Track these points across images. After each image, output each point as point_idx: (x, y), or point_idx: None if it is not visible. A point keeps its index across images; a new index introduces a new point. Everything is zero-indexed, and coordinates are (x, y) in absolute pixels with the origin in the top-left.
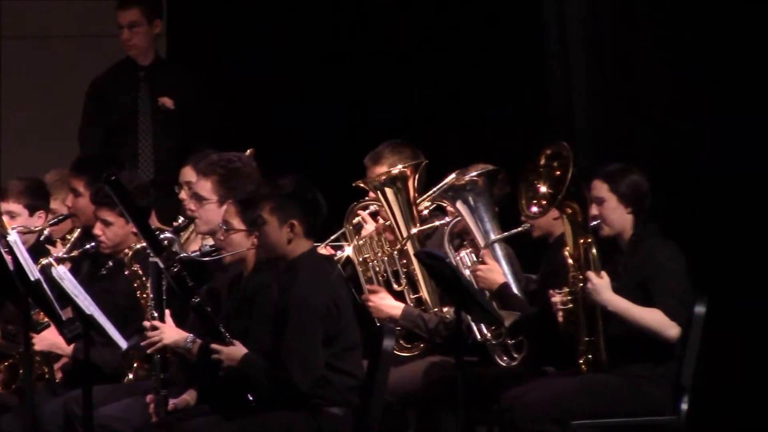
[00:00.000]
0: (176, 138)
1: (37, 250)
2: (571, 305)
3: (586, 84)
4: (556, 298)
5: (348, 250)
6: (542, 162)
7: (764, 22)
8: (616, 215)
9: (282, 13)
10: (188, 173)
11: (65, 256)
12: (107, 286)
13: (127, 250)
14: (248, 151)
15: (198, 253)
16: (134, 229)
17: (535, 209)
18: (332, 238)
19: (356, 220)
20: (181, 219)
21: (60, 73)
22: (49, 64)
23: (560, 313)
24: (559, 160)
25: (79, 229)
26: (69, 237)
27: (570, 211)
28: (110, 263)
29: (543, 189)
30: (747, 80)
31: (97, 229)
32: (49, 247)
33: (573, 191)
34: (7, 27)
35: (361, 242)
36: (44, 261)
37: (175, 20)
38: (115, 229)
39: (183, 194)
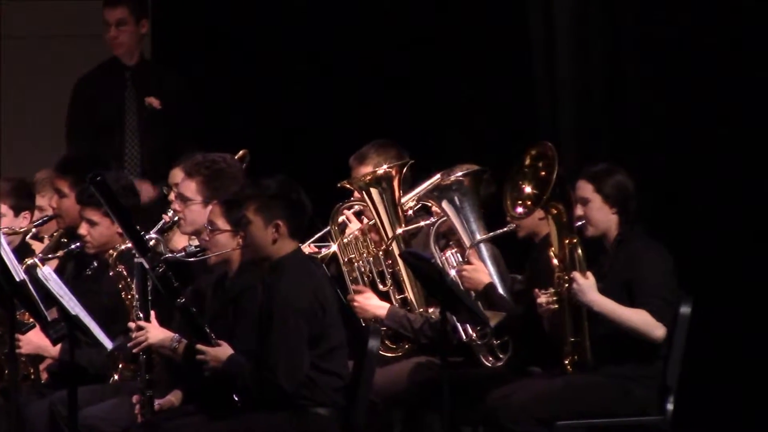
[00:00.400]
0: (163, 138)
1: (23, 251)
2: (556, 306)
3: (573, 83)
4: (542, 299)
5: (333, 247)
6: (527, 162)
7: (756, 22)
8: (600, 216)
9: (266, 13)
10: (178, 175)
11: (50, 256)
12: (92, 286)
13: (111, 251)
14: (241, 152)
15: (183, 253)
16: (119, 229)
17: (520, 210)
18: (316, 237)
19: (341, 219)
20: (170, 212)
21: (60, 72)
22: (50, 64)
23: (545, 314)
24: (544, 161)
25: (61, 230)
26: (57, 235)
27: (555, 211)
28: (95, 263)
29: (528, 189)
30: (737, 80)
31: (83, 229)
32: (36, 243)
33: (558, 192)
34: (8, 26)
35: (345, 240)
36: (29, 261)
37: (159, 23)
38: (100, 229)
39: (172, 195)
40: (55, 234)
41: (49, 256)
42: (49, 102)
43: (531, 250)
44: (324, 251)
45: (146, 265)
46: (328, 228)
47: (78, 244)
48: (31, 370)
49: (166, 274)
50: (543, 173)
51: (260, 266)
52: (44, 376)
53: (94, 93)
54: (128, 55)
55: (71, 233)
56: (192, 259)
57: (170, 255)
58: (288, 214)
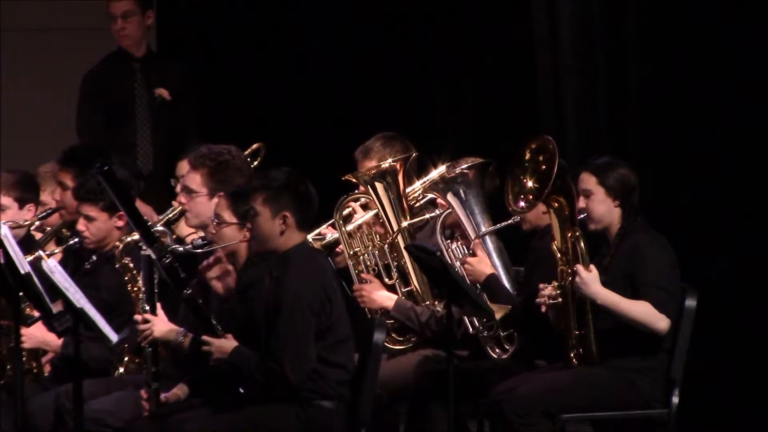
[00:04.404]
0: (172, 129)
1: (27, 243)
2: (560, 299)
3: (576, 76)
4: (545, 292)
5: (335, 234)
6: (527, 156)
7: (756, 21)
8: (603, 208)
9: (270, 7)
10: (184, 167)
11: (55, 251)
12: (91, 281)
13: (117, 243)
14: (255, 145)
15: (189, 246)
16: (118, 224)
17: (522, 204)
18: (320, 229)
19: (346, 211)
20: (174, 207)
21: (60, 65)
22: (50, 57)
23: (543, 306)
24: (545, 154)
25: (61, 222)
26: (56, 227)
27: (557, 204)
28: (94, 257)
29: (529, 184)
30: (737, 74)
31: (81, 225)
32: (41, 235)
33: (559, 185)
34: (7, 19)
35: (349, 229)
36: (33, 256)
37: (163, 15)
38: (98, 224)
39: (180, 188)
40: (48, 229)
41: (56, 251)
42: (49, 95)
43: (533, 238)
44: (329, 236)
45: (153, 256)
46: (332, 221)
47: (77, 240)
48: (34, 365)
49: (172, 265)
50: (544, 167)
51: (267, 258)
52: (47, 369)
53: (103, 85)
54: (135, 47)
55: (73, 226)
56: (198, 251)
57: (177, 246)
58: (295, 205)
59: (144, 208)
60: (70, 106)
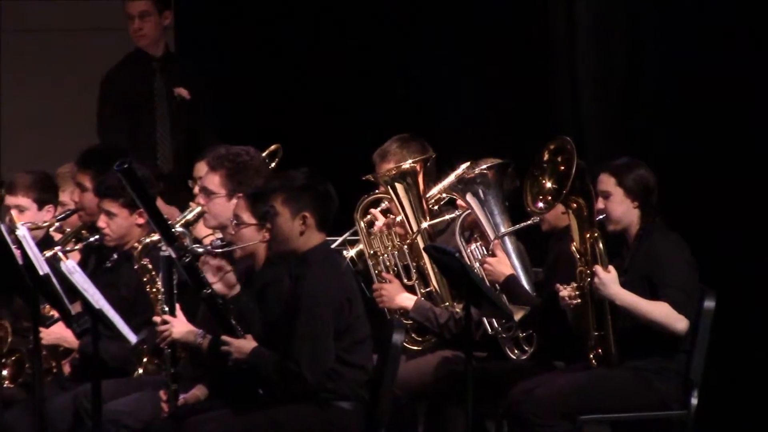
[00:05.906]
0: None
1: (46, 245)
2: (579, 300)
3: (594, 76)
4: (564, 293)
5: (351, 252)
6: (546, 157)
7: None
8: (622, 209)
9: (289, 7)
10: (202, 168)
11: (75, 248)
12: (112, 279)
13: (136, 244)
14: (273, 146)
15: (209, 247)
16: (138, 221)
17: (541, 205)
18: (344, 237)
19: (368, 218)
20: (192, 208)
21: (60, 65)
22: (50, 58)
23: (568, 308)
24: (563, 155)
25: (81, 224)
26: (76, 227)
27: (575, 205)
28: (115, 256)
29: (548, 184)
30: (750, 69)
31: (101, 222)
32: (60, 236)
33: (578, 186)
34: (8, 21)
35: (370, 230)
36: (50, 252)
37: (183, 17)
38: (119, 221)
39: (197, 189)
40: (68, 230)
41: (76, 248)
42: (49, 96)
43: (553, 238)
44: (345, 254)
45: (173, 255)
46: (354, 228)
47: (97, 237)
48: (53, 364)
49: (192, 264)
50: (562, 167)
51: (286, 259)
52: (67, 369)
53: (123, 86)
54: (153, 47)
55: (93, 227)
56: (218, 251)
57: (197, 246)
58: (315, 205)
59: (167, 209)
60: (69, 106)
